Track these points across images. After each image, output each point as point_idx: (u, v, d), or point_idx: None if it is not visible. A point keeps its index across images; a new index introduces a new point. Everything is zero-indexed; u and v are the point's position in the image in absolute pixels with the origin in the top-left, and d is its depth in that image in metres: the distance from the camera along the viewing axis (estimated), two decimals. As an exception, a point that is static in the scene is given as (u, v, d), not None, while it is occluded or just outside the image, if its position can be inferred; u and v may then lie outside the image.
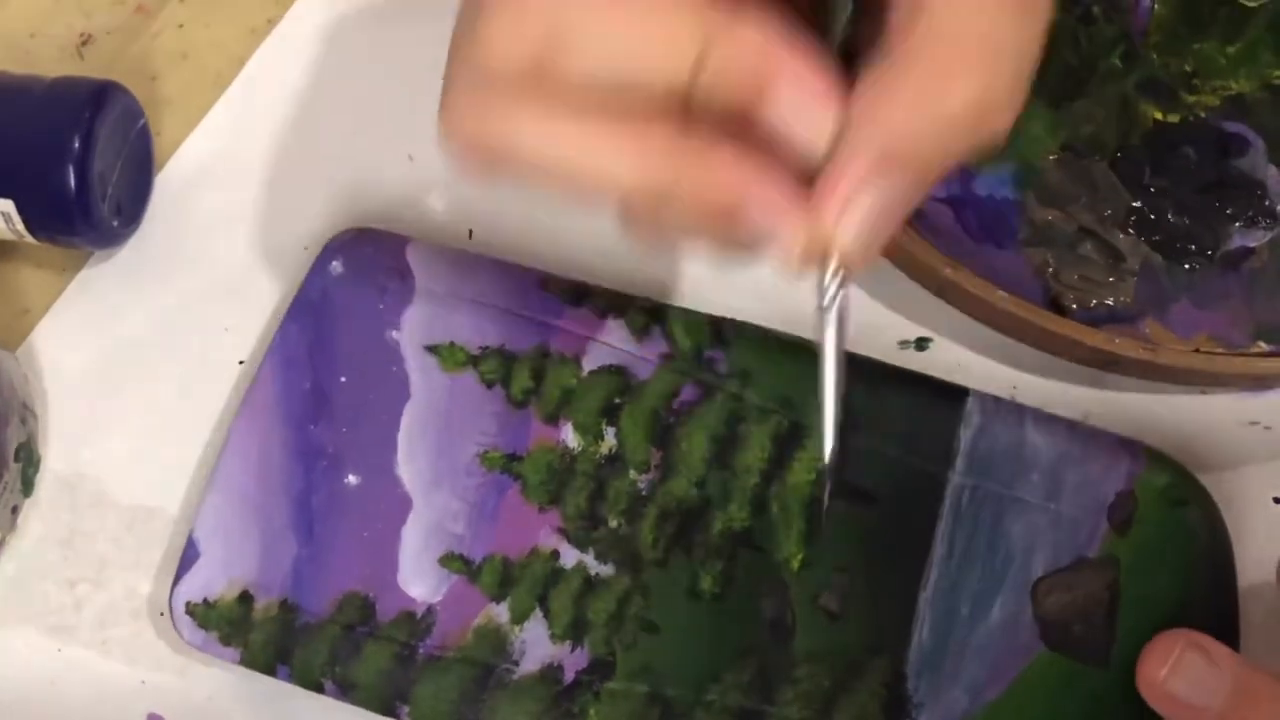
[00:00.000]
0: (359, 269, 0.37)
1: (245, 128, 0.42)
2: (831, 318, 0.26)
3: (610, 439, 0.35)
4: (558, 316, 0.36)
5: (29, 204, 0.37)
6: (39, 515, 0.37)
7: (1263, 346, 0.36)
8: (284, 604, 0.34)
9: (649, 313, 0.36)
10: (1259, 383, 0.37)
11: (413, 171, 0.41)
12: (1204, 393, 0.38)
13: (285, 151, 0.42)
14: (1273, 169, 0.38)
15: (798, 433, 0.35)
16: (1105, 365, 0.36)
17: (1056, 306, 0.36)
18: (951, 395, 0.35)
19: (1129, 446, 0.35)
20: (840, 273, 0.25)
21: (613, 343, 0.36)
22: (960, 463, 0.34)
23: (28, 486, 0.37)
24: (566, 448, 0.35)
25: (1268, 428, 0.38)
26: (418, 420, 0.36)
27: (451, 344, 0.36)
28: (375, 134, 0.42)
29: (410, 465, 0.35)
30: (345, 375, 0.36)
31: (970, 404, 0.35)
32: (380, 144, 0.41)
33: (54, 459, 0.38)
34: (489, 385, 0.36)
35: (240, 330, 0.39)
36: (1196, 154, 0.38)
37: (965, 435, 0.35)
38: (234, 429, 0.36)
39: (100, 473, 0.38)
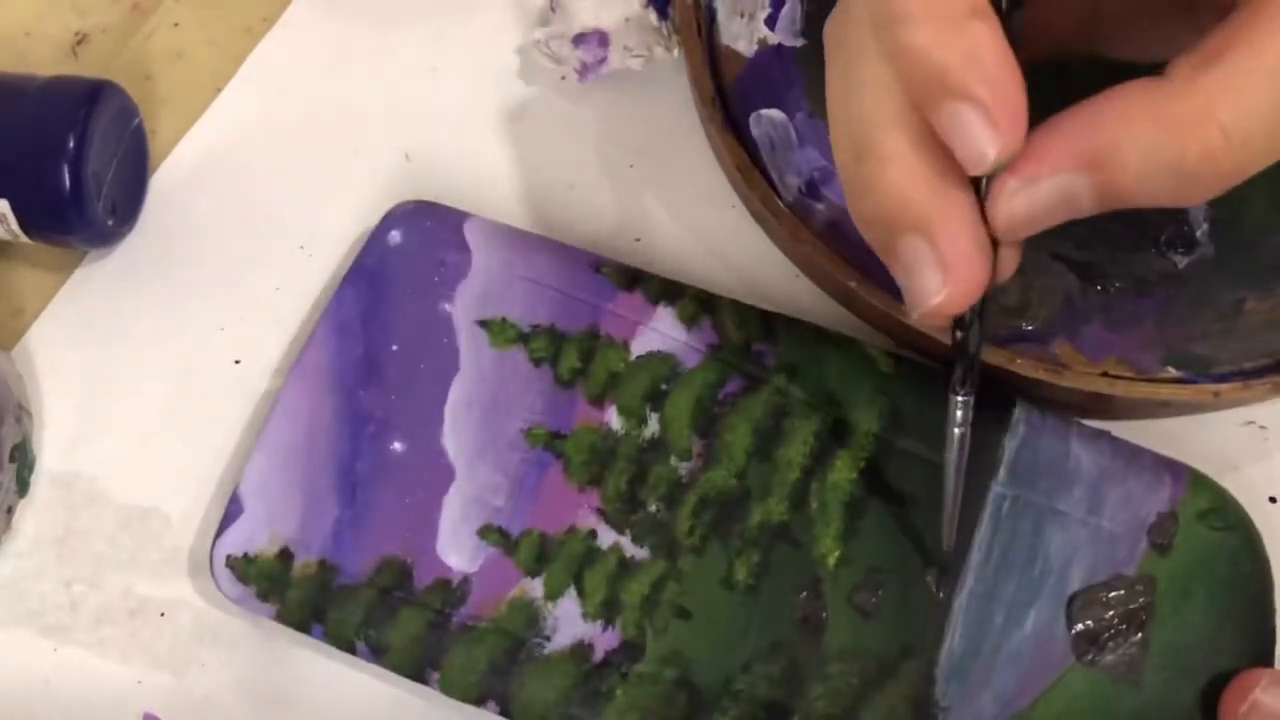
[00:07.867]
0: (417, 240, 0.38)
1: (241, 127, 0.42)
2: (955, 438, 0.31)
3: (654, 424, 0.36)
4: (609, 300, 0.37)
5: (23, 203, 0.37)
6: (34, 515, 0.37)
7: (1172, 372, 0.35)
8: (323, 564, 0.34)
9: (700, 302, 0.37)
10: (1166, 409, 0.36)
11: (410, 171, 0.41)
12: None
13: (280, 151, 0.42)
14: None
15: (841, 430, 0.35)
16: (1015, 388, 0.35)
17: None
18: (998, 404, 0.35)
19: (1172, 468, 0.34)
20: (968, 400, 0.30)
21: (662, 329, 0.36)
22: (1003, 472, 0.34)
23: (23, 487, 0.37)
24: (610, 430, 0.35)
25: (1263, 427, 0.37)
26: (465, 392, 0.36)
27: (503, 320, 0.37)
28: (371, 134, 0.42)
29: (455, 436, 0.36)
30: (397, 344, 0.37)
31: (1016, 414, 0.35)
32: (377, 143, 0.42)
33: (49, 459, 0.38)
34: (537, 363, 0.36)
35: (235, 330, 0.39)
36: None
37: (1010, 445, 0.35)
38: (284, 390, 0.36)
39: (95, 472, 0.38)
